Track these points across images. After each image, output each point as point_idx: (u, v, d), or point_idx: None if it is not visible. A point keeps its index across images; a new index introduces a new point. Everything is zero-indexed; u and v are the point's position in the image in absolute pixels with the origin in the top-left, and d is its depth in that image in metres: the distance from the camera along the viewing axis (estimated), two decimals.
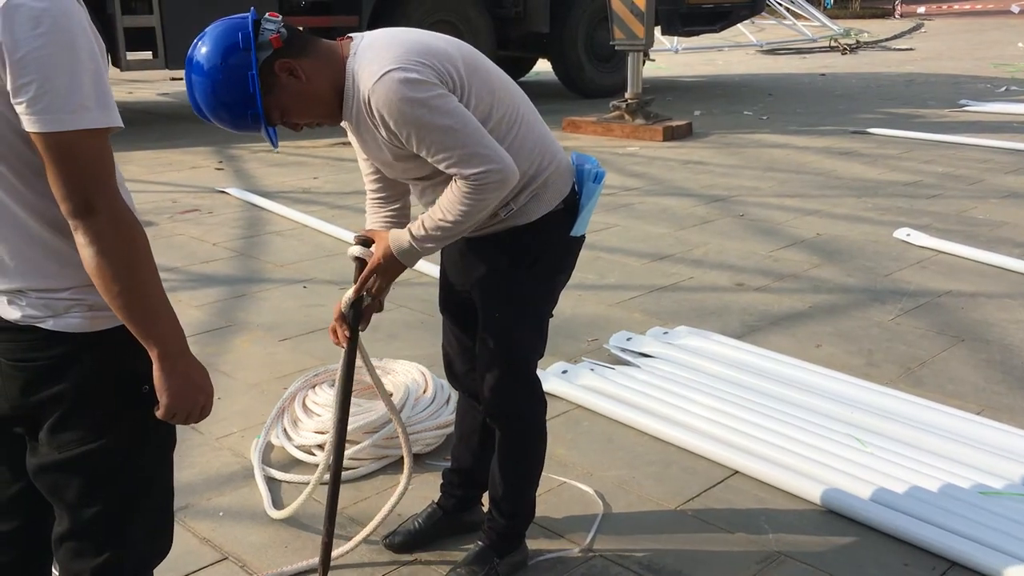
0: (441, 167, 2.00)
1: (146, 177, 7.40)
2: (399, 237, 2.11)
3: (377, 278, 2.17)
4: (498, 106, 2.10)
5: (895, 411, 3.22)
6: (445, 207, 2.03)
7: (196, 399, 1.57)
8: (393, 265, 2.14)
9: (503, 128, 2.11)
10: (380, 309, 2.31)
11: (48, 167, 1.38)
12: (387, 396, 2.48)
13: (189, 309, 4.44)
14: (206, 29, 1.98)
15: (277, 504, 2.77)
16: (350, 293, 2.21)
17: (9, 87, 1.34)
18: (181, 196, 6.88)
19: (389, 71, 1.94)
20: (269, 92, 1.98)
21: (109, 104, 1.40)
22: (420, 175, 2.14)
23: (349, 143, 2.30)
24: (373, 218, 2.36)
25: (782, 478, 2.83)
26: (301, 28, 2.11)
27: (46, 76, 1.33)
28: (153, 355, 1.50)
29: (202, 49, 1.95)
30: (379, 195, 2.35)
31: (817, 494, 2.74)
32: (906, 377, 3.61)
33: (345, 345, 2.23)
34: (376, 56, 1.99)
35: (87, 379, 1.54)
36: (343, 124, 2.16)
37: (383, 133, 2.02)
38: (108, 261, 1.42)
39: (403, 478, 2.46)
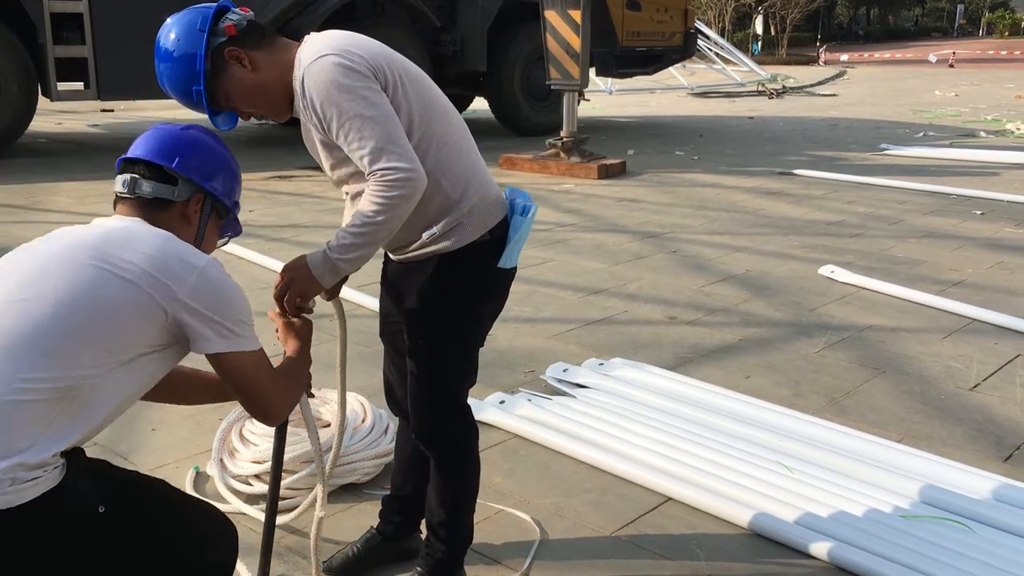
0: (355, 157, 2.04)
1: (76, 208, 7.26)
2: (315, 251, 2.12)
3: (290, 291, 2.16)
4: (431, 122, 2.15)
5: (820, 439, 3.33)
6: (357, 212, 2.07)
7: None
8: (306, 277, 2.12)
9: (433, 145, 2.14)
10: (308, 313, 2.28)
11: (237, 384, 1.90)
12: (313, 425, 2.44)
13: None
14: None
15: None
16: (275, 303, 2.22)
17: (207, 319, 1.80)
18: None
19: (325, 55, 2.03)
20: (217, 76, 2.08)
21: None
22: (347, 172, 2.15)
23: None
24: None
25: (713, 504, 2.91)
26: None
27: (238, 313, 1.86)
28: None
29: (169, 26, 2.10)
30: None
31: (746, 519, 2.82)
32: (831, 407, 3.73)
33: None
34: (318, 42, 2.09)
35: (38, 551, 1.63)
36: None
37: (313, 117, 2.07)
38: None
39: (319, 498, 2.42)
